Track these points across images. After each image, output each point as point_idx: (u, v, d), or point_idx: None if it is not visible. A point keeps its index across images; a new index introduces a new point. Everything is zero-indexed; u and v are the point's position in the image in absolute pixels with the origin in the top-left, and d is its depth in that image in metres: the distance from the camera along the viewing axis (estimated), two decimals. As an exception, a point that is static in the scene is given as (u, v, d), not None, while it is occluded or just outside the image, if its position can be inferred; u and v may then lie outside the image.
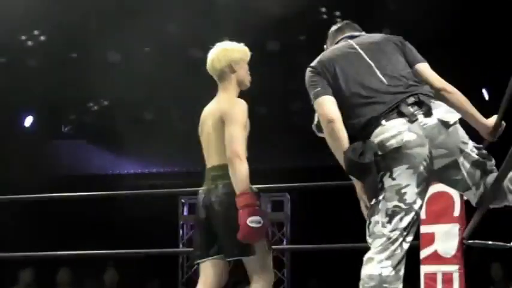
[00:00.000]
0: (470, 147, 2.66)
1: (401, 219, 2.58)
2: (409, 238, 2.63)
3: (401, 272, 2.61)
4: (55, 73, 8.14)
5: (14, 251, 5.34)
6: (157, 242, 6.00)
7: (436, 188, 3.89)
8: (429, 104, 2.63)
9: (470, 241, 3.83)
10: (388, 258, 2.57)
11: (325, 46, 3.15)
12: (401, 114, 2.61)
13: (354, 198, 2.77)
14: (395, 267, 2.58)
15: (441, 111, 2.63)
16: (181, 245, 10.12)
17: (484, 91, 8.02)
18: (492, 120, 2.80)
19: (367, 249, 2.65)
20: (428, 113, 2.61)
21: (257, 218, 2.96)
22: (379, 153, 2.58)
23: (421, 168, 2.58)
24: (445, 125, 2.61)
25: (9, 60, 8.23)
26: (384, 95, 2.67)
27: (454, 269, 3.77)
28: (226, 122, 3.11)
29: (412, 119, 2.59)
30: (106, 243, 5.70)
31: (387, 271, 2.55)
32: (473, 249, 4.04)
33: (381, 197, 2.60)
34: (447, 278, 3.76)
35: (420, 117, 2.60)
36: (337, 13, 7.42)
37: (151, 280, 9.22)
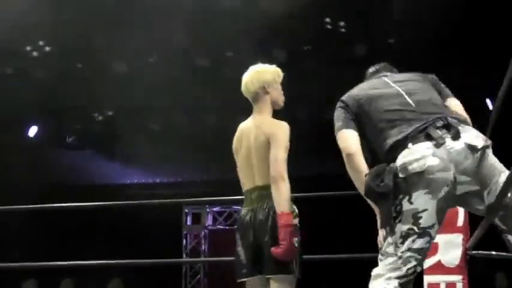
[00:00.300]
0: (502, 179, 2.54)
1: (413, 241, 2.56)
2: (423, 262, 2.62)
3: None
4: (60, 83, 8.16)
5: (16, 261, 5.34)
6: (161, 251, 5.99)
7: (440, 197, 3.90)
8: (457, 127, 2.59)
9: (474, 251, 3.82)
10: (397, 277, 2.56)
11: None
12: (428, 137, 2.58)
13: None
14: (402, 287, 2.56)
15: (470, 135, 2.58)
16: (184, 255, 10.13)
17: (488, 101, 8.02)
18: None
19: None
20: (456, 136, 2.57)
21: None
22: (400, 175, 2.57)
23: (442, 193, 2.54)
24: (472, 149, 2.55)
25: (14, 70, 8.26)
26: (412, 119, 2.67)
27: (457, 279, 3.76)
28: (272, 144, 3.22)
29: (439, 142, 2.55)
30: (110, 253, 5.70)
31: None
32: (477, 259, 4.03)
33: (397, 220, 2.58)
34: (451, 288, 3.77)
35: (448, 140, 2.56)
36: (342, 23, 7.43)
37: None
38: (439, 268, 3.82)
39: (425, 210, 2.54)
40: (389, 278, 2.56)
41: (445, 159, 2.54)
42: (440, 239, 3.84)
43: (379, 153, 2.71)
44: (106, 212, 7.15)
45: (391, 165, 2.60)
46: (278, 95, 3.43)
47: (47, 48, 7.90)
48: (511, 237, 2.57)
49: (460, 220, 3.83)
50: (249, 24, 7.12)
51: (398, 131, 2.65)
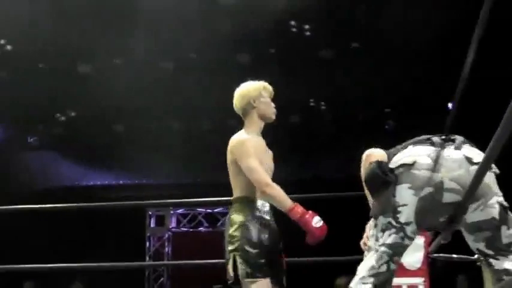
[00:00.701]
0: (493, 201, 2.58)
1: (389, 235, 2.61)
2: (397, 258, 2.64)
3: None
4: (22, 84, 8.05)
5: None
6: (123, 254, 5.94)
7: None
8: (461, 144, 2.65)
9: (435, 254, 3.86)
10: (371, 276, 2.60)
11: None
12: (431, 144, 2.65)
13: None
14: (380, 285, 2.59)
15: (471, 150, 2.63)
16: (147, 257, 10.07)
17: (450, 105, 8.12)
18: None
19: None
20: (457, 147, 2.63)
21: (317, 217, 3.19)
22: (390, 166, 2.66)
23: (424, 193, 2.57)
24: (469, 161, 2.58)
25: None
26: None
27: (419, 281, 3.80)
28: (238, 160, 3.33)
29: (439, 148, 2.62)
30: (72, 256, 5.65)
31: None
32: (439, 262, 4.07)
33: (382, 212, 2.65)
34: (412, 291, 3.79)
35: (448, 149, 2.61)
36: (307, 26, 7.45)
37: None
38: (401, 270, 3.84)
39: (405, 205, 2.59)
40: (363, 277, 2.62)
41: (439, 163, 2.58)
42: (402, 242, 3.87)
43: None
44: (67, 214, 7.06)
45: (395, 159, 2.70)
46: (266, 108, 3.50)
47: (8, 48, 7.79)
48: (494, 262, 2.59)
49: (422, 223, 3.86)
50: (216, 28, 7.13)
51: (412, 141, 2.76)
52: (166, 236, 10.31)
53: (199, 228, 10.24)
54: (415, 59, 7.26)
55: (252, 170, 3.28)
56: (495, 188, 2.62)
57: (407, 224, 2.59)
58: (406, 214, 2.58)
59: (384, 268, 2.60)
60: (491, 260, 2.59)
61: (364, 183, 2.80)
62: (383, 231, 2.62)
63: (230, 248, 3.31)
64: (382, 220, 2.64)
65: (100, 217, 7.98)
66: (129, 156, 9.65)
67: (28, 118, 9.29)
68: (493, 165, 2.59)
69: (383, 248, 2.60)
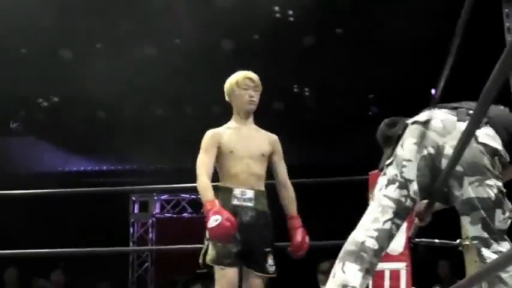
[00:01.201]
0: (494, 182, 2.59)
1: (394, 190, 2.63)
2: (398, 221, 2.65)
3: (385, 248, 2.67)
4: (3, 69, 7.98)
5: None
6: (107, 240, 5.93)
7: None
8: (483, 124, 2.61)
9: (417, 239, 3.89)
10: (376, 230, 2.61)
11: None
12: (454, 113, 2.68)
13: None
14: (379, 241, 2.60)
15: (483, 130, 2.62)
16: (131, 243, 10.06)
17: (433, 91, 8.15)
18: None
19: None
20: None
21: (215, 217, 3.30)
22: (406, 122, 2.72)
23: (425, 152, 2.62)
24: (475, 138, 2.58)
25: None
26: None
27: (401, 266, 3.82)
28: None
29: (457, 118, 2.64)
30: (55, 242, 5.62)
31: (371, 242, 2.60)
32: (421, 247, 4.10)
33: (390, 162, 2.69)
34: (394, 276, 3.81)
35: (465, 123, 2.55)
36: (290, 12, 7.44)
37: (102, 278, 9.12)
38: (384, 256, 3.87)
39: (409, 160, 2.63)
40: (368, 230, 2.63)
41: (448, 130, 2.62)
42: (384, 227, 3.89)
43: None
44: (50, 200, 7.03)
45: (407, 121, 2.73)
46: (238, 103, 3.66)
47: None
48: (484, 250, 2.59)
49: (404, 208, 3.88)
50: (199, 14, 7.09)
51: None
52: (150, 221, 10.30)
53: (183, 214, 10.25)
54: (399, 45, 7.26)
55: (197, 163, 3.56)
56: (497, 172, 2.62)
57: (410, 181, 2.62)
58: (410, 170, 2.62)
59: (387, 225, 2.62)
60: (482, 249, 2.59)
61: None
62: (389, 182, 2.65)
63: (206, 234, 3.44)
64: (390, 170, 2.67)
65: (83, 203, 7.94)
66: (112, 142, 9.62)
67: (10, 104, 9.22)
68: (502, 151, 2.63)
69: (387, 201, 2.62)
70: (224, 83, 3.72)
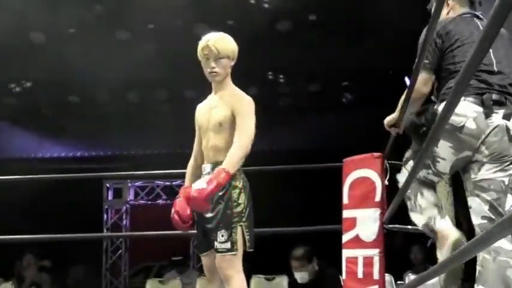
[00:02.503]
0: (508, 167, 2.77)
1: (427, 173, 2.92)
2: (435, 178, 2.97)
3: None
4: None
5: None
6: (81, 226, 5.90)
7: (358, 173, 3.97)
8: (506, 108, 2.75)
9: (390, 225, 3.92)
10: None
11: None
12: (481, 103, 2.74)
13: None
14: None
15: None
16: (105, 230, 10.02)
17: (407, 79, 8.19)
18: None
19: None
20: (507, 116, 2.75)
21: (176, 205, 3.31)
22: (435, 110, 2.82)
23: (463, 155, 2.80)
24: (508, 132, 2.73)
25: None
26: (484, 78, 2.79)
27: (374, 252, 3.85)
28: None
29: (486, 111, 2.73)
30: (29, 228, 5.59)
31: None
32: (394, 233, 4.13)
33: (424, 146, 2.71)
34: (368, 262, 3.84)
35: (494, 116, 2.73)
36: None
37: (75, 265, 9.07)
38: (357, 242, 3.90)
39: (443, 159, 2.84)
40: (425, 209, 2.96)
41: (481, 129, 2.74)
42: (358, 213, 3.93)
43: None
44: (23, 187, 6.97)
45: (435, 107, 2.85)
46: (204, 72, 3.37)
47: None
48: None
49: (378, 195, 3.92)
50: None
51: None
52: (124, 208, 10.26)
53: (158, 201, 10.22)
54: (373, 32, 7.29)
55: None
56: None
57: (444, 173, 2.92)
58: (443, 166, 2.86)
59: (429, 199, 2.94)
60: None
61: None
62: (423, 166, 2.84)
63: None
64: (423, 158, 2.72)
65: (56, 189, 7.89)
66: (86, 127, 9.55)
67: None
68: None
69: (423, 182, 2.94)
70: (196, 68, 3.43)
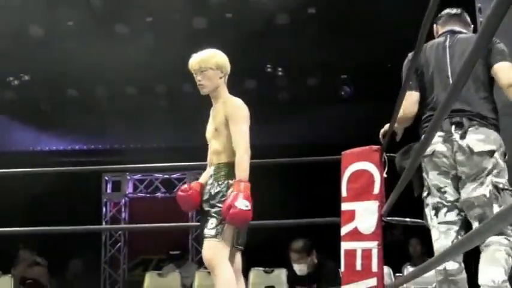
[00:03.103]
0: (489, 179, 2.96)
1: (445, 214, 3.05)
2: (461, 231, 3.05)
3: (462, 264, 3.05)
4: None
5: None
6: (80, 219, 5.92)
7: (357, 166, 3.98)
8: (467, 129, 3.02)
9: (389, 218, 3.93)
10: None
11: (434, 26, 3.47)
12: (441, 129, 3.02)
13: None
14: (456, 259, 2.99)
15: (474, 138, 3.00)
16: (104, 223, 10.02)
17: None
18: None
19: None
20: (463, 135, 3.02)
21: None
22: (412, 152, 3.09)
23: (452, 173, 3.04)
24: (470, 151, 2.99)
25: None
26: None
27: (373, 245, 3.86)
28: None
29: (448, 135, 3.03)
30: (27, 221, 5.60)
31: (450, 265, 2.98)
32: (393, 226, 4.15)
33: (426, 193, 3.13)
34: (366, 254, 3.85)
35: (456, 135, 3.04)
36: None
37: (74, 258, 9.09)
38: (356, 235, 3.91)
39: (446, 186, 3.06)
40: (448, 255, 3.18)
41: (450, 148, 3.03)
42: (356, 206, 3.93)
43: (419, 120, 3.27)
44: (25, 179, 6.98)
45: (416, 144, 3.11)
46: None
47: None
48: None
49: (376, 188, 3.92)
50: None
51: (426, 115, 3.18)
52: (123, 201, 10.27)
53: (156, 194, 10.23)
54: (372, 25, 7.29)
55: None
56: (490, 167, 2.97)
57: (457, 201, 3.04)
58: (452, 192, 3.05)
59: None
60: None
61: None
62: (435, 209, 3.07)
63: None
64: (430, 200, 3.09)
65: (55, 182, 7.89)
66: (85, 121, 9.55)
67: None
68: (490, 145, 2.99)
69: (445, 226, 3.03)
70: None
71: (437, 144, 3.03)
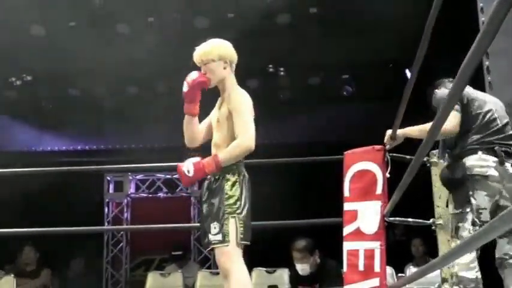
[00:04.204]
0: None
1: (475, 230, 3.23)
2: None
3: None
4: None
5: None
6: (82, 220, 5.90)
7: (359, 166, 3.97)
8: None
9: (391, 218, 3.92)
10: (475, 261, 3.35)
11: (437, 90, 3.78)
12: (495, 154, 3.41)
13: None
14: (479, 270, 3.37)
15: None
16: (106, 223, 10.02)
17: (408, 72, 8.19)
18: None
19: None
20: None
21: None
22: (467, 173, 3.40)
23: (496, 197, 3.41)
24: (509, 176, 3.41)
25: None
26: (491, 134, 3.49)
27: (375, 245, 3.85)
28: None
29: (501, 161, 3.40)
30: (30, 221, 5.60)
31: (479, 274, 3.35)
32: (395, 226, 4.14)
33: (468, 209, 3.39)
34: (369, 254, 3.85)
35: (507, 164, 3.43)
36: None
37: (76, 258, 9.08)
38: (358, 235, 3.91)
39: (484, 208, 3.37)
40: (475, 267, 3.35)
41: (502, 174, 3.40)
42: (359, 206, 3.93)
43: (461, 140, 3.54)
44: (26, 179, 6.98)
45: (460, 162, 3.45)
46: None
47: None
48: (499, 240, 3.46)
49: (379, 188, 3.92)
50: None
51: (477, 138, 3.48)
52: (125, 201, 10.27)
53: (158, 194, 10.23)
54: (374, 25, 7.27)
55: None
56: None
57: (486, 223, 3.20)
58: (485, 215, 3.35)
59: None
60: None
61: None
62: (473, 225, 3.34)
63: None
64: (469, 216, 3.37)
65: (57, 183, 7.89)
66: (86, 121, 9.55)
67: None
68: None
69: None
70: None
71: (490, 168, 3.40)
